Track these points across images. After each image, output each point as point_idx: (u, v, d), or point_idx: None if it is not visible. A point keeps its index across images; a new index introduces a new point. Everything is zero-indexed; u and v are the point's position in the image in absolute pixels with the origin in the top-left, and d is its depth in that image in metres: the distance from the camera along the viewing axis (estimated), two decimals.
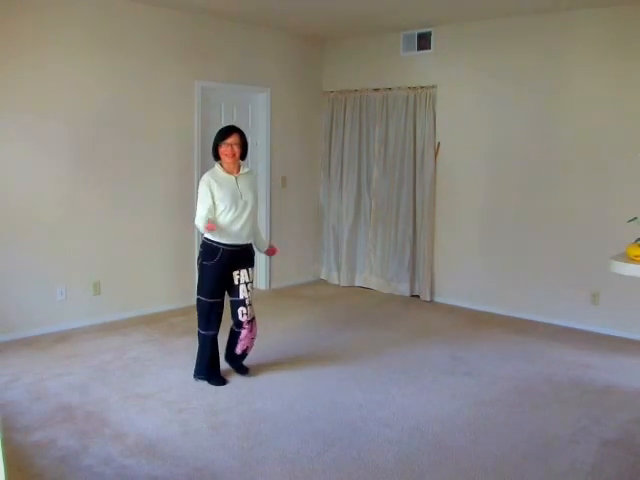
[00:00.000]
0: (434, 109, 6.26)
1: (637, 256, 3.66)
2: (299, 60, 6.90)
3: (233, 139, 3.97)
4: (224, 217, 3.96)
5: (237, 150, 3.99)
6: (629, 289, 5.09)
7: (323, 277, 7.21)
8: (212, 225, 3.87)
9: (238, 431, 3.45)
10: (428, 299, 6.42)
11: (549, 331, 5.45)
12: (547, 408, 3.83)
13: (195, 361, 4.19)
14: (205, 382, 4.12)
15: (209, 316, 4.10)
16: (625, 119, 5.16)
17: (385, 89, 6.58)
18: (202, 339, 4.16)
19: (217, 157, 4.05)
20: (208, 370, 4.13)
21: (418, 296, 6.53)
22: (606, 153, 5.28)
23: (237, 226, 3.99)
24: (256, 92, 6.54)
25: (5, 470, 1.93)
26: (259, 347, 4.86)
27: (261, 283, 6.83)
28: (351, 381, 4.19)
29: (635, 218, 3.94)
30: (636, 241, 3.75)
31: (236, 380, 4.19)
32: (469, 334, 5.33)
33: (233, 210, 3.96)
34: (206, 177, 4.00)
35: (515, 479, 3.01)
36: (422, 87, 6.32)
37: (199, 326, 4.16)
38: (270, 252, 4.46)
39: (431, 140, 6.30)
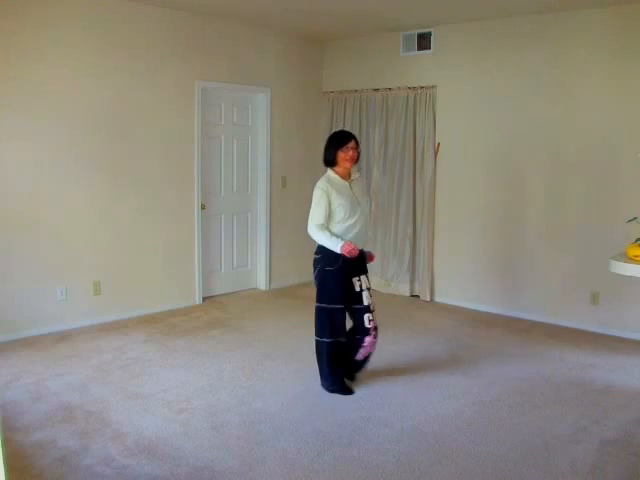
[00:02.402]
0: (434, 109, 6.26)
1: (637, 256, 3.66)
2: (299, 60, 6.90)
3: (352, 143, 3.93)
4: (343, 224, 3.87)
5: (355, 154, 3.95)
6: (629, 289, 5.09)
7: None
8: (354, 250, 3.80)
9: (238, 431, 3.45)
10: (428, 299, 6.42)
11: (549, 331, 5.45)
12: (547, 408, 3.83)
13: (321, 372, 4.04)
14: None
15: (334, 322, 3.93)
16: (625, 119, 5.15)
17: (385, 89, 6.58)
18: (327, 347, 3.95)
19: (331, 163, 3.97)
20: (330, 380, 4.00)
21: (418, 296, 6.53)
22: (606, 153, 5.28)
23: (355, 232, 3.91)
24: (256, 92, 6.55)
25: (5, 470, 1.93)
26: (258, 347, 4.87)
27: (261, 283, 6.83)
28: (351, 381, 4.18)
29: (635, 218, 3.95)
30: (636, 241, 3.76)
31: (237, 380, 4.19)
32: (469, 334, 5.33)
33: (352, 216, 3.88)
34: (323, 184, 3.90)
35: (515, 479, 3.01)
36: (422, 87, 6.32)
37: (321, 335, 3.97)
38: (369, 258, 4.17)
39: (431, 140, 6.30)
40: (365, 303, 3.98)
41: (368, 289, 4.03)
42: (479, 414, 3.72)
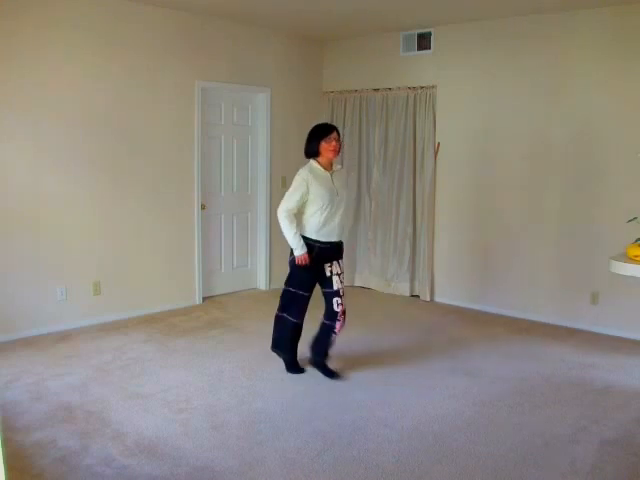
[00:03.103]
0: (434, 109, 6.26)
1: (637, 256, 3.66)
2: (299, 60, 6.90)
3: (335, 135, 4.05)
4: (320, 215, 3.99)
5: (338, 145, 4.07)
6: (629, 289, 5.09)
7: None
8: (306, 264, 3.98)
9: (238, 431, 3.45)
10: (428, 299, 6.42)
11: (549, 331, 5.45)
12: (547, 408, 3.83)
13: (280, 345, 4.30)
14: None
15: (298, 305, 4.15)
16: (625, 119, 5.15)
17: (385, 89, 6.58)
18: (284, 321, 4.22)
19: (314, 154, 4.10)
20: (288, 352, 4.27)
21: (418, 296, 6.53)
22: (606, 153, 5.28)
23: (333, 224, 4.05)
24: (256, 92, 6.55)
25: (5, 470, 1.93)
26: (258, 347, 4.87)
27: (261, 283, 6.83)
28: (351, 381, 4.19)
29: (635, 218, 3.94)
30: (636, 241, 3.75)
31: (237, 380, 4.19)
32: (469, 334, 5.33)
33: (329, 208, 4.00)
34: (304, 173, 4.03)
35: (515, 479, 3.01)
36: (422, 87, 6.32)
37: (283, 311, 4.22)
38: None
39: (431, 140, 6.30)
40: (334, 288, 4.13)
41: (339, 274, 4.16)
42: (479, 414, 3.72)
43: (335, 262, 4.14)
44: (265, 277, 6.80)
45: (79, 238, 5.27)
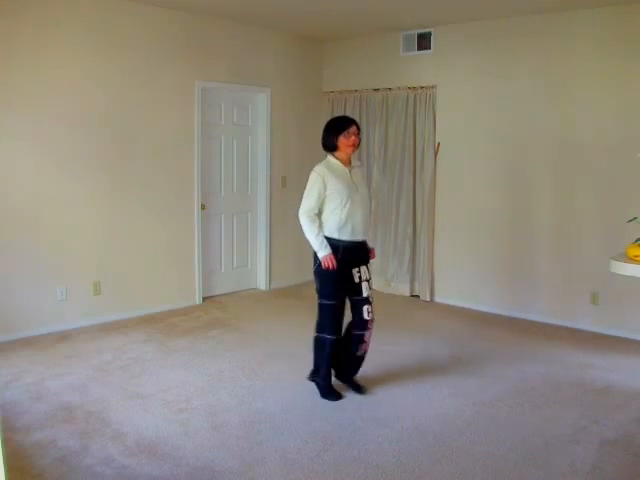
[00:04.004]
0: (434, 109, 6.26)
1: (637, 256, 3.65)
2: (299, 60, 6.90)
3: (354, 129, 3.83)
4: (341, 212, 3.75)
5: (358, 140, 3.87)
6: (629, 289, 5.09)
7: None
8: (333, 266, 3.71)
9: (238, 431, 3.45)
10: (428, 299, 6.42)
11: (549, 331, 5.45)
12: (547, 408, 3.83)
13: (318, 369, 3.96)
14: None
15: (332, 318, 3.84)
16: (625, 119, 5.15)
17: (385, 89, 6.58)
18: (322, 342, 3.88)
19: (332, 149, 3.87)
20: (327, 379, 3.93)
21: (418, 296, 6.53)
22: (606, 153, 5.28)
23: (355, 221, 3.79)
24: (256, 92, 6.55)
25: (5, 470, 1.93)
26: (258, 347, 4.87)
27: (261, 283, 6.83)
28: None
29: (635, 218, 3.94)
30: (636, 241, 3.75)
31: (237, 380, 4.19)
32: (469, 334, 5.33)
33: (350, 203, 3.75)
34: (319, 168, 3.81)
35: (515, 479, 3.01)
36: (422, 87, 6.32)
37: (321, 331, 3.89)
38: (370, 253, 4.08)
39: (431, 140, 6.30)
40: (364, 294, 3.88)
41: (368, 280, 3.92)
42: (479, 414, 3.72)
43: (363, 267, 3.91)
44: (265, 277, 6.80)
45: (79, 238, 5.27)
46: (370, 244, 4.11)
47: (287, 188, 6.91)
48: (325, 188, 3.75)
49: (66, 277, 5.22)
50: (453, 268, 6.30)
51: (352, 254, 3.85)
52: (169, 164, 5.82)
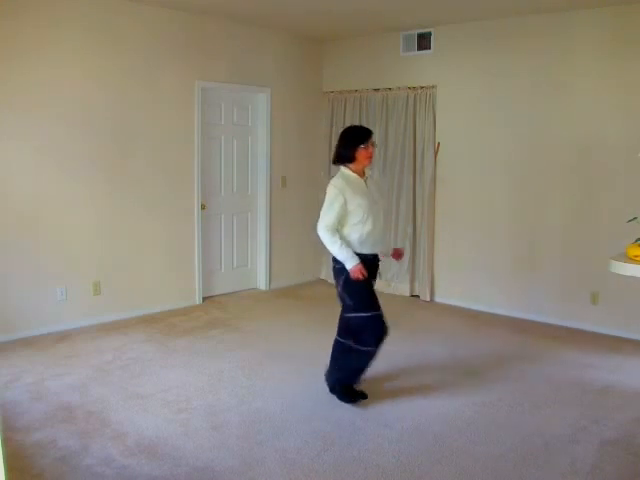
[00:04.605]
0: (434, 109, 6.26)
1: (637, 256, 3.65)
2: (299, 60, 6.90)
3: (373, 139, 3.71)
4: (362, 227, 3.60)
5: (374, 151, 3.75)
6: (629, 289, 5.09)
7: (323, 277, 7.20)
8: (363, 275, 3.56)
9: (238, 431, 3.45)
10: (428, 299, 6.42)
11: (549, 331, 5.45)
12: (547, 408, 3.83)
13: (338, 373, 3.82)
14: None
15: (371, 328, 3.65)
16: (625, 119, 5.15)
17: (385, 89, 6.58)
18: (358, 353, 3.71)
19: (347, 160, 3.67)
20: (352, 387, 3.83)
21: (418, 296, 6.53)
22: (606, 153, 5.28)
23: (376, 233, 3.66)
24: (256, 92, 6.55)
25: (5, 470, 1.93)
26: (258, 347, 4.87)
27: (261, 283, 6.83)
28: None
29: (635, 218, 3.94)
30: (636, 241, 3.75)
31: (237, 380, 4.19)
32: (469, 334, 5.33)
33: (370, 217, 3.61)
34: (338, 182, 3.61)
35: (515, 479, 3.01)
36: (422, 87, 6.32)
37: (359, 343, 3.69)
38: (396, 255, 3.97)
39: (431, 140, 6.30)
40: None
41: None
42: (479, 414, 3.72)
43: (375, 280, 3.81)
44: (265, 277, 6.80)
45: (79, 238, 5.27)
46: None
47: (287, 188, 6.91)
48: (346, 204, 3.58)
49: (66, 277, 5.22)
50: (453, 268, 6.30)
51: (373, 266, 3.74)
52: (169, 164, 5.82)
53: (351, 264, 3.56)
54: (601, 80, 5.26)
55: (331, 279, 6.98)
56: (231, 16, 5.94)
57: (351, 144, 3.66)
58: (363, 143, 3.64)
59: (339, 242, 3.58)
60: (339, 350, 3.83)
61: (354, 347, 3.72)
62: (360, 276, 3.56)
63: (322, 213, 3.65)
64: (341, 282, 3.67)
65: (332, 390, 3.88)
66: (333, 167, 6.52)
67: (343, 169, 3.71)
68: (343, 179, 3.65)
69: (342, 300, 3.76)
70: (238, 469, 3.05)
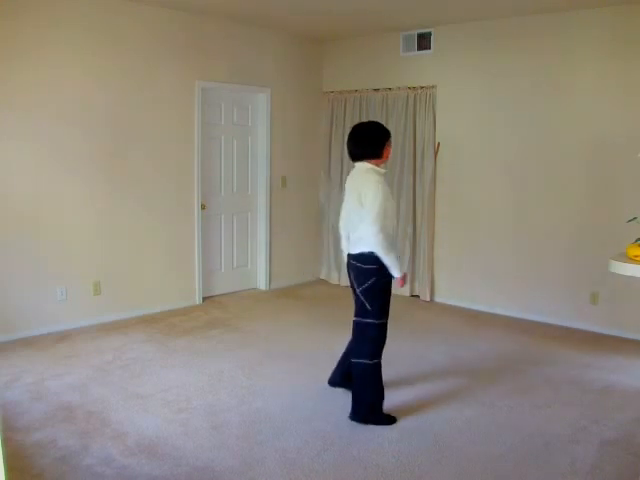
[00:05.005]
0: (434, 109, 6.26)
1: (637, 256, 3.65)
2: (299, 60, 6.90)
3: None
4: (393, 229, 3.43)
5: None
6: (628, 289, 5.09)
7: (323, 277, 7.21)
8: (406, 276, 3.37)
9: (238, 431, 3.45)
10: (428, 299, 6.42)
11: (549, 331, 5.45)
12: (547, 408, 3.83)
13: (367, 401, 3.53)
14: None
15: (383, 340, 3.55)
16: (625, 119, 5.15)
17: (385, 89, 6.58)
18: (374, 369, 3.51)
19: (377, 156, 3.44)
20: (380, 406, 3.56)
21: (418, 296, 6.53)
22: (606, 153, 5.28)
23: (395, 235, 3.50)
24: (256, 92, 6.55)
25: (5, 470, 1.93)
26: (258, 347, 4.87)
27: (261, 283, 6.83)
28: None
29: (635, 218, 3.93)
30: (636, 241, 3.75)
31: (237, 380, 4.19)
32: (469, 334, 5.33)
33: (396, 218, 3.47)
34: (381, 178, 3.38)
35: (515, 479, 3.01)
36: (422, 87, 6.32)
37: (373, 356, 3.49)
38: (402, 280, 3.71)
39: (431, 140, 6.30)
40: None
41: None
42: (479, 414, 3.72)
43: None
44: (265, 277, 6.80)
45: (79, 238, 5.27)
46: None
47: (287, 188, 6.91)
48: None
49: (66, 277, 5.22)
50: (453, 268, 6.30)
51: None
52: (169, 164, 5.82)
53: (401, 271, 3.39)
54: (601, 80, 5.26)
55: (331, 279, 7.07)
56: (231, 16, 5.94)
57: (384, 140, 3.46)
58: (389, 139, 3.50)
59: (394, 251, 3.38)
60: (361, 376, 3.52)
61: (370, 363, 3.50)
62: (404, 283, 3.51)
63: (372, 216, 3.28)
64: (367, 285, 3.42)
65: (366, 421, 3.52)
66: (333, 167, 6.56)
67: (373, 166, 3.44)
68: (380, 175, 3.42)
69: (361, 304, 3.50)
70: (238, 469, 3.05)
